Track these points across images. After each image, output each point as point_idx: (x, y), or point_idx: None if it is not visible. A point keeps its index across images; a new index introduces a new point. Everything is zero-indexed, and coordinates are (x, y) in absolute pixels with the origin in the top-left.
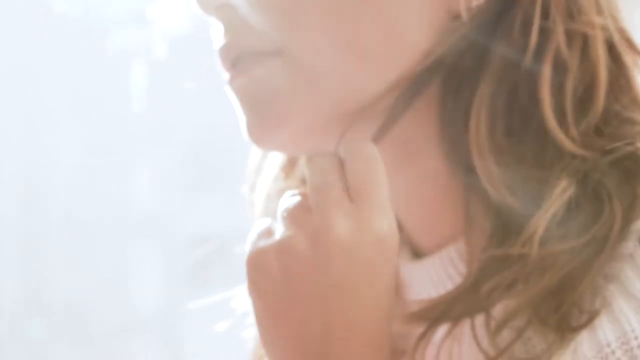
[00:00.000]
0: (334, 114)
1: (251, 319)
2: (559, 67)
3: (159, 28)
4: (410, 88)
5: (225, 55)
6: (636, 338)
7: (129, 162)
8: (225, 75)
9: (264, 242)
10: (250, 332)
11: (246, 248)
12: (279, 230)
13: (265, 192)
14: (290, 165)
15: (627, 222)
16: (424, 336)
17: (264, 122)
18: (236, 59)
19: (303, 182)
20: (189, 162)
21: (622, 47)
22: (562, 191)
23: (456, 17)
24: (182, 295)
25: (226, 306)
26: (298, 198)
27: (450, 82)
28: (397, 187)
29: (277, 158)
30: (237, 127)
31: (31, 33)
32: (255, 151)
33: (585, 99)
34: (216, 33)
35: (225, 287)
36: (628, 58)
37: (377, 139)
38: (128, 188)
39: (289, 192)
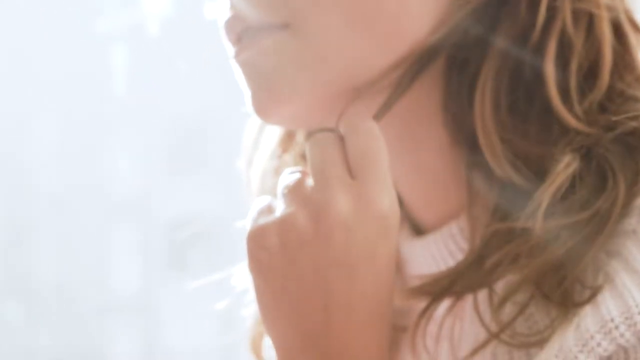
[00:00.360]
0: (340, 89)
1: (250, 296)
2: (564, 46)
3: (146, 10)
4: (416, 64)
5: (231, 28)
6: None
7: (112, 145)
8: (231, 50)
9: (264, 219)
10: (249, 310)
11: (246, 225)
12: (279, 207)
13: (262, 169)
14: (287, 141)
15: (630, 198)
16: (425, 311)
17: (270, 96)
18: (242, 32)
19: (302, 157)
20: (172, 145)
21: (627, 27)
22: (565, 166)
23: None
24: (161, 277)
25: (205, 288)
26: (298, 175)
27: (456, 58)
28: (400, 163)
29: (274, 133)
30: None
31: (20, 13)
32: (252, 126)
33: (589, 77)
34: (221, 6)
35: (203, 270)
36: (632, 38)
37: (381, 114)
38: (110, 171)
39: (288, 169)
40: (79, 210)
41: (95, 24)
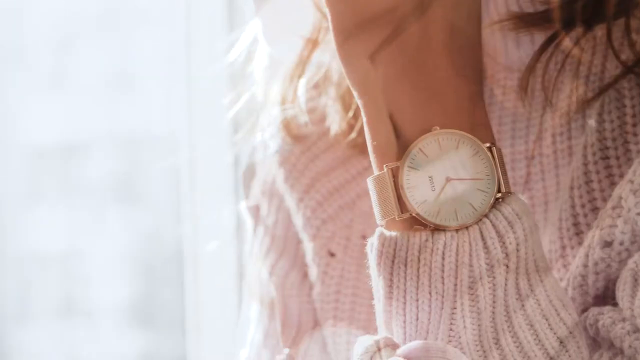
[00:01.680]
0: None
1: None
2: None
3: None
4: None
5: None
6: None
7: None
8: None
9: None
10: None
11: None
12: None
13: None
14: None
15: None
16: (549, 43)
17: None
18: None
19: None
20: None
21: None
22: None
23: None
24: (83, 230)
25: (127, 242)
26: None
27: None
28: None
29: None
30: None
31: None
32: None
33: None
34: None
35: (59, 201)
36: None
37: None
38: (34, 121)
39: None
40: (5, 159)
41: None
